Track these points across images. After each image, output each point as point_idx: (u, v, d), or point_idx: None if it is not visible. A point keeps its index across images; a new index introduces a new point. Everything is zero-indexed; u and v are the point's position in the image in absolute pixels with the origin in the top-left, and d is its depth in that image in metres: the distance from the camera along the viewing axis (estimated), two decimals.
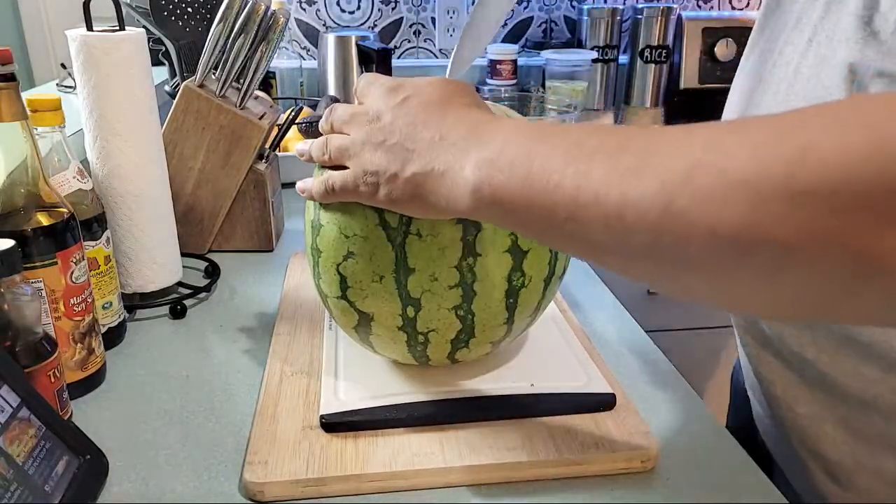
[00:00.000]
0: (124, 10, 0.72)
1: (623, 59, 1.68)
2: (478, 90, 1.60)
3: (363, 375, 0.58)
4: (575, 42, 1.70)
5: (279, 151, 1.07)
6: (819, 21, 0.50)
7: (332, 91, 1.48)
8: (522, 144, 0.38)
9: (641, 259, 0.33)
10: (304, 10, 1.64)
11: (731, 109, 0.61)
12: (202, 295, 0.78)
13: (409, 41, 1.71)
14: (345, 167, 0.48)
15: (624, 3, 1.71)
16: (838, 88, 0.46)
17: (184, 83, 0.82)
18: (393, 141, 0.44)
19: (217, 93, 0.82)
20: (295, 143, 1.17)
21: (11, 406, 0.45)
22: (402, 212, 0.47)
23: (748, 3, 1.77)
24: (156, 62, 0.91)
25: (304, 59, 1.63)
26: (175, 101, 0.82)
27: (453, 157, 0.41)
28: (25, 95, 0.55)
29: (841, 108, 0.29)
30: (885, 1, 0.45)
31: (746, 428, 0.66)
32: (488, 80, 1.59)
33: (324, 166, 0.51)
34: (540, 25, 1.73)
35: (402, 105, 0.45)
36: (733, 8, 1.77)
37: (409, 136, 0.44)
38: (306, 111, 1.22)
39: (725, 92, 0.62)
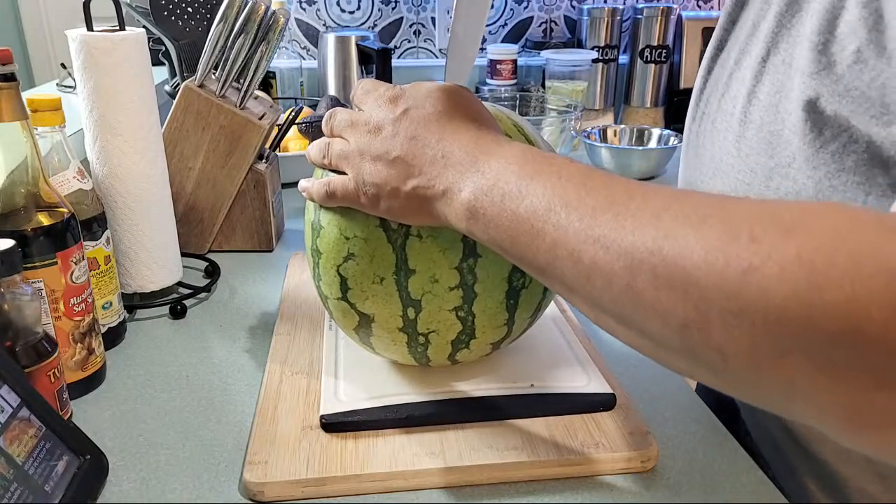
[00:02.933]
0: (124, 10, 0.72)
1: (623, 59, 1.67)
2: (477, 91, 1.60)
3: (363, 376, 0.58)
4: (575, 42, 1.70)
5: (279, 151, 1.07)
6: (772, 36, 0.45)
7: (332, 91, 1.48)
8: (513, 179, 0.39)
9: (610, 316, 0.34)
10: (304, 10, 1.64)
11: (692, 112, 0.58)
12: (202, 295, 0.78)
13: (409, 41, 1.70)
14: (344, 172, 0.48)
15: (624, 3, 1.71)
16: (796, 128, 0.42)
17: (184, 83, 0.82)
18: (394, 155, 0.45)
19: (217, 93, 0.82)
20: (295, 143, 1.17)
21: (11, 406, 0.45)
22: (402, 222, 0.48)
23: None
24: (156, 62, 0.91)
25: (304, 59, 1.63)
26: (175, 101, 0.82)
27: (453, 178, 0.42)
28: (25, 95, 0.55)
29: (798, 221, 0.28)
30: (845, 24, 0.38)
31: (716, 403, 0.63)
32: (488, 80, 1.59)
33: (323, 168, 0.51)
34: (540, 25, 1.73)
35: (402, 118, 0.45)
36: None
37: (410, 152, 0.44)
38: (306, 111, 1.22)
39: None
